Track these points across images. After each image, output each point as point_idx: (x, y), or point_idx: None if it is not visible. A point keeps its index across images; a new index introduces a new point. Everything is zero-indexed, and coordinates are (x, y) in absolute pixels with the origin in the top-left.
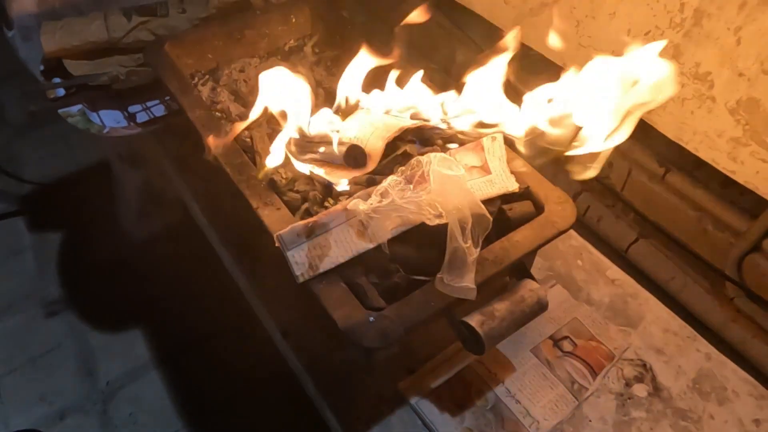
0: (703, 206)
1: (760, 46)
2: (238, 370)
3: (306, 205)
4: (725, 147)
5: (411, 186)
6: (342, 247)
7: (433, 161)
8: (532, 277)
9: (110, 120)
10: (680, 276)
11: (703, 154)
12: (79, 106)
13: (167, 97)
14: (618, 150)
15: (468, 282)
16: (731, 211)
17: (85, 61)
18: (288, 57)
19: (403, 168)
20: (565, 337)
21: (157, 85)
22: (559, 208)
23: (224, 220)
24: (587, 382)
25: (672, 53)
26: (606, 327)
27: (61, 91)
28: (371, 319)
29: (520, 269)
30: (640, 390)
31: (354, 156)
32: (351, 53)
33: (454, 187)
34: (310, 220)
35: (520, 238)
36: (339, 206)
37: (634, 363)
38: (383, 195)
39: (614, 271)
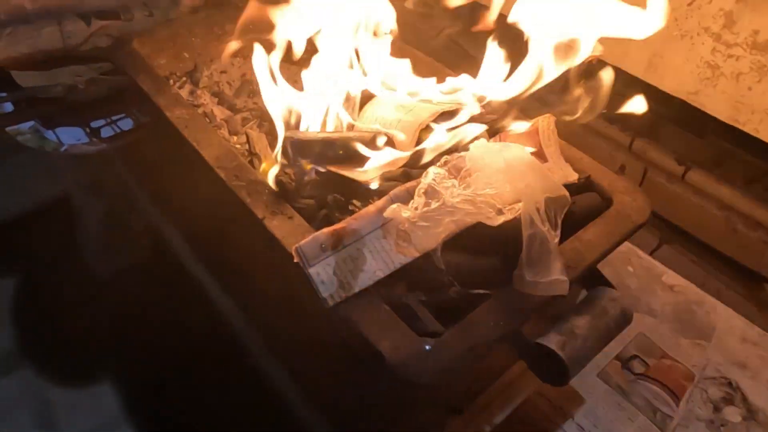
0: (730, 204)
1: None
2: (228, 422)
3: (324, 211)
4: None
5: (456, 180)
6: (379, 258)
7: (484, 147)
8: (608, 283)
9: (69, 137)
10: (712, 282)
11: (766, 135)
12: (32, 123)
13: (135, 109)
14: (631, 150)
15: (557, 273)
16: (763, 208)
17: (37, 71)
18: None
19: (447, 157)
20: (634, 357)
21: (122, 96)
22: (629, 198)
23: (210, 244)
24: (670, 409)
25: (723, 22)
26: (677, 341)
27: (9, 106)
28: (428, 347)
29: (594, 275)
30: (733, 414)
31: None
32: None
33: (518, 166)
34: (337, 226)
35: (592, 237)
36: (371, 208)
37: (718, 382)
38: (429, 194)
39: (671, 276)
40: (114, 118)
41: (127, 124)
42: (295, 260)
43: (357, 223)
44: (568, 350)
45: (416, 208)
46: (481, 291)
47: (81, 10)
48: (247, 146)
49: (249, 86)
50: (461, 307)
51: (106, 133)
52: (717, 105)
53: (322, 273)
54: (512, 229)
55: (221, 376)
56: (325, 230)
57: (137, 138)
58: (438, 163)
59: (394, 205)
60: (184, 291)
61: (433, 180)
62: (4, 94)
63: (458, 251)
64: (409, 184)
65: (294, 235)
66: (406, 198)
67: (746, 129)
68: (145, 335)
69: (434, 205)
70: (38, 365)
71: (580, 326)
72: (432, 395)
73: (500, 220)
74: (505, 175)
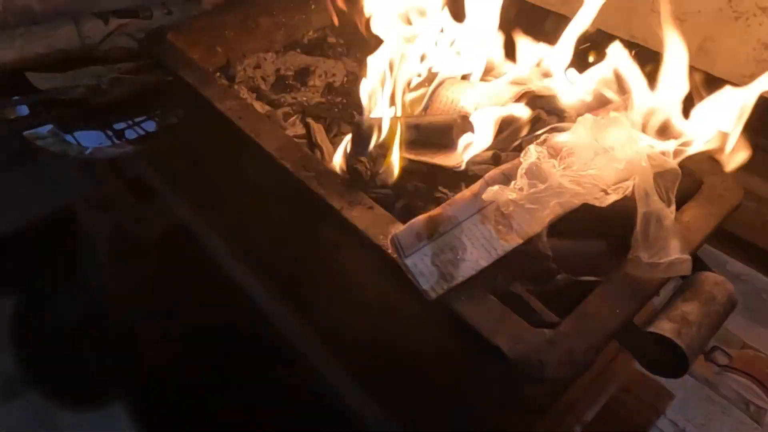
0: (761, 195)
1: None
2: None
3: (403, 201)
4: None
5: (556, 161)
6: (479, 246)
7: (583, 124)
8: (707, 267)
9: (89, 141)
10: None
11: None
12: (50, 126)
13: (160, 110)
14: None
15: (676, 252)
16: None
17: (53, 73)
18: (310, 51)
19: (546, 135)
20: (715, 348)
21: (144, 96)
22: (719, 179)
23: (258, 245)
24: (762, 401)
25: None
26: (755, 331)
27: (24, 110)
28: (549, 339)
29: (694, 259)
30: None
31: (464, 130)
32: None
33: (624, 141)
34: (432, 213)
35: (691, 219)
36: (467, 192)
37: None
38: (532, 175)
39: (734, 265)
40: (137, 120)
41: (150, 126)
42: (390, 251)
43: (452, 209)
44: (685, 338)
45: (521, 189)
46: (591, 278)
47: (93, 11)
48: (306, 138)
49: (284, 81)
50: (566, 296)
51: (130, 134)
52: None
53: (419, 264)
54: (619, 209)
55: (270, 395)
56: (421, 217)
57: (167, 139)
58: (536, 142)
59: (495, 187)
60: (223, 303)
61: (538, 159)
62: (17, 97)
63: (557, 236)
64: (504, 167)
65: (377, 225)
66: (503, 181)
67: None
68: (166, 354)
69: (542, 186)
70: (44, 388)
71: (691, 312)
72: (546, 391)
73: (610, 200)
74: (607, 153)
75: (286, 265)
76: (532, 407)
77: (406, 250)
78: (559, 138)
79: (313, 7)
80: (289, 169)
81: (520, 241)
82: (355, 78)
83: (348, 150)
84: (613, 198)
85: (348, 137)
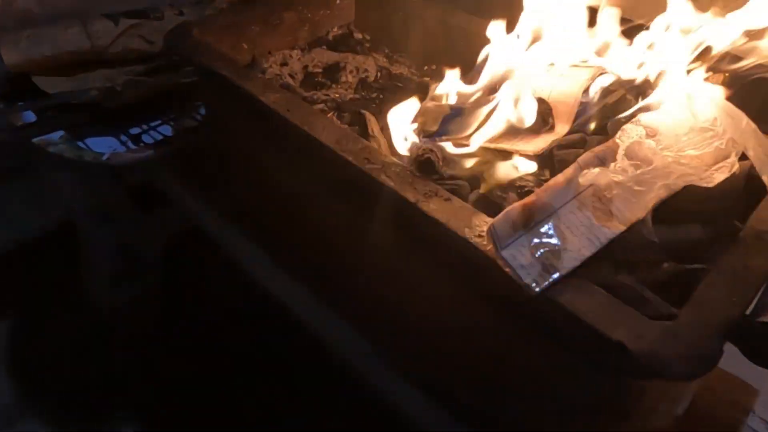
0: None
1: None
2: None
3: (476, 192)
4: None
5: (653, 141)
6: (580, 234)
7: (681, 98)
8: None
9: (104, 147)
10: None
11: None
12: (61, 132)
13: (175, 112)
14: None
15: None
16: None
17: (62, 77)
18: (336, 47)
19: (641, 115)
20: None
21: (162, 99)
22: None
23: (308, 252)
24: None
25: None
26: None
27: (31, 116)
28: (672, 332)
29: None
30: None
31: (541, 114)
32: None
33: (726, 112)
34: (527, 201)
35: None
36: (560, 177)
37: None
38: (632, 156)
39: None
40: (154, 123)
41: (166, 129)
42: (480, 245)
43: (547, 195)
44: None
45: (624, 171)
46: (697, 266)
47: (96, 13)
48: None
49: (313, 78)
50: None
51: (148, 139)
52: None
53: (518, 256)
54: (719, 190)
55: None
56: (516, 205)
57: (193, 140)
58: (632, 122)
59: (596, 170)
60: (266, 318)
61: (638, 140)
62: (22, 103)
63: (656, 222)
64: (597, 149)
65: (459, 218)
66: (598, 164)
67: None
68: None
69: (646, 167)
70: (44, 415)
71: None
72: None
73: (718, 179)
74: (706, 130)
75: (345, 272)
76: (617, 409)
77: (503, 240)
78: (652, 116)
79: (337, 2)
80: (352, 162)
81: (623, 228)
82: (388, 73)
83: (415, 138)
84: (721, 177)
85: (408, 126)
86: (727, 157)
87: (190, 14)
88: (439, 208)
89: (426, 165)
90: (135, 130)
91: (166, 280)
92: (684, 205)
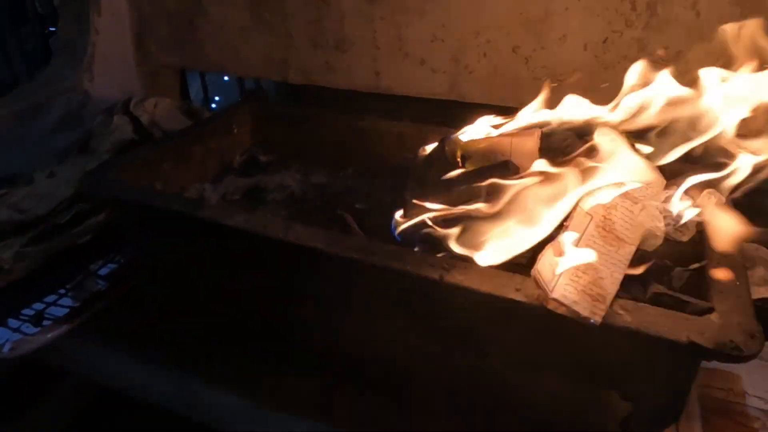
0: None
1: None
2: None
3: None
4: None
5: None
6: (606, 262)
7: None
8: None
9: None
10: None
11: None
12: None
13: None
14: None
15: None
16: None
17: None
18: (245, 173)
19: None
20: None
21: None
22: None
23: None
24: None
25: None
26: None
27: None
28: (721, 323)
29: None
30: None
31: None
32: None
33: None
34: (554, 244)
35: None
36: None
37: None
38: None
39: None
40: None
41: (66, 301)
42: (523, 300)
43: (566, 235)
44: None
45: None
46: (697, 264)
47: None
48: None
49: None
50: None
51: (56, 312)
52: None
53: (567, 294)
54: None
55: None
56: (547, 249)
57: (118, 293)
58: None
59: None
60: None
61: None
62: None
63: None
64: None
65: (491, 280)
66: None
67: None
68: None
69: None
70: None
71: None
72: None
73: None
74: None
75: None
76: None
77: (550, 283)
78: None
79: (235, 130)
80: (358, 259)
81: (634, 247)
82: (311, 184)
83: (412, 218)
84: None
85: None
86: None
87: (65, 173)
88: (466, 278)
89: (429, 240)
90: (31, 310)
91: None
92: None
